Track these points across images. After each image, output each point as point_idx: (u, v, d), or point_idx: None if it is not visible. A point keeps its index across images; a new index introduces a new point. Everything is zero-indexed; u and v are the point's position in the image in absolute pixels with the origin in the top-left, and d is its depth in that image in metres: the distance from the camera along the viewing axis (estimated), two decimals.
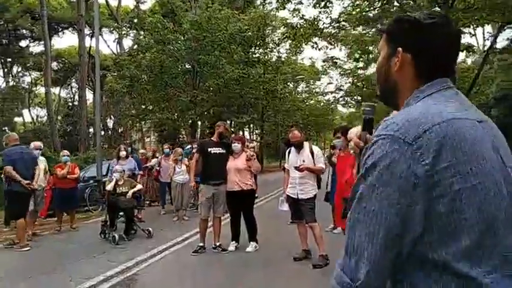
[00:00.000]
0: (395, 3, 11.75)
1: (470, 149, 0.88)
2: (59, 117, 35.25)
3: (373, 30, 13.85)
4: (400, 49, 1.05)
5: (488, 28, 18.02)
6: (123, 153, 8.51)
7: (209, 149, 6.18)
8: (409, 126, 0.90)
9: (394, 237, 0.88)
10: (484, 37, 20.01)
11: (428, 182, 0.86)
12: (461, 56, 14.84)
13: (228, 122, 33.05)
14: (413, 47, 1.04)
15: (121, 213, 7.21)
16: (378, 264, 0.88)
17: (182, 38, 19.70)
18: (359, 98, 18.48)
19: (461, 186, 0.86)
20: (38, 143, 7.91)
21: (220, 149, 6.16)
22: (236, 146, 6.14)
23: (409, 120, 0.91)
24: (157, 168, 10.45)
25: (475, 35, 22.65)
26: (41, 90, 35.04)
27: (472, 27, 14.10)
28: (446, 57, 1.06)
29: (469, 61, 19.74)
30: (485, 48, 13.37)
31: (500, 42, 15.19)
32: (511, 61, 14.44)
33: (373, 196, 0.89)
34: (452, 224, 0.86)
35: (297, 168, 5.26)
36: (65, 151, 9.09)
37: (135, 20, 26.03)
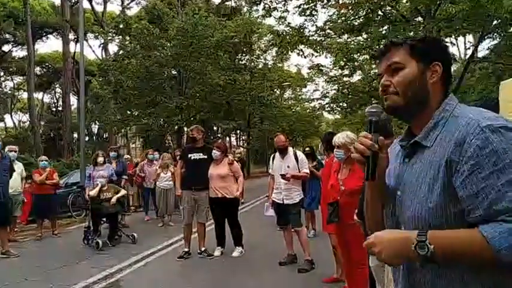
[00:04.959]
0: (379, 12, 11.96)
1: None
2: (42, 123, 34.65)
3: (358, 38, 14.03)
4: (440, 64, 1.21)
5: (469, 38, 18.47)
6: (100, 159, 8.32)
7: (189, 155, 6.15)
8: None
9: None
10: (465, 46, 20.50)
11: None
12: None
13: (215, 128, 33.04)
14: (447, 64, 1.23)
15: (104, 219, 7.12)
16: None
17: (168, 44, 19.64)
18: (344, 104, 18.66)
19: None
20: (13, 146, 7.81)
21: (201, 154, 6.10)
22: (215, 153, 6.04)
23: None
24: (141, 174, 10.27)
25: (456, 44, 23.23)
26: (24, 95, 34.44)
27: (453, 36, 14.43)
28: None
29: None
30: (467, 57, 13.69)
31: (481, 52, 15.60)
32: (491, 70, 14.80)
33: None
34: None
35: (282, 176, 5.26)
36: (43, 156, 8.88)
37: (121, 26, 25.82)
